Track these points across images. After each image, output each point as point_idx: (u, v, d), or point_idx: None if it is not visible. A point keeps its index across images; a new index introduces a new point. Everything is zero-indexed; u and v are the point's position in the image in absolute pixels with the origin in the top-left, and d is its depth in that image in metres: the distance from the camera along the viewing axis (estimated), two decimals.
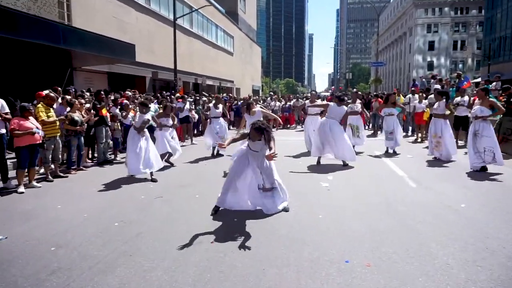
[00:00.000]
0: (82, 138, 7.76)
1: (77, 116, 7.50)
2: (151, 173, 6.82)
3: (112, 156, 9.11)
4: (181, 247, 3.65)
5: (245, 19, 50.22)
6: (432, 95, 10.87)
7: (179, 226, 4.32)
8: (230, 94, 25.73)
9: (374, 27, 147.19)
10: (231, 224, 4.37)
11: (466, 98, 9.84)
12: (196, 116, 13.02)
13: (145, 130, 6.96)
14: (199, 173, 7.41)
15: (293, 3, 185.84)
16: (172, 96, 13.85)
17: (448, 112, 8.12)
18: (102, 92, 8.48)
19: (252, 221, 4.39)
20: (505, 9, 38.27)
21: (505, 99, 8.89)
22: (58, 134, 7.05)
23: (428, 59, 61.15)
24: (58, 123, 6.98)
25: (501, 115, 9.01)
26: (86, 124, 7.74)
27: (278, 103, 18.96)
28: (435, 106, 8.21)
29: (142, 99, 8.76)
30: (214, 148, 9.16)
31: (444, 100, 8.13)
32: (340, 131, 7.55)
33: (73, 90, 9.51)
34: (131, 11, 20.02)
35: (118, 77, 18.66)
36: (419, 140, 11.34)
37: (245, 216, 4.59)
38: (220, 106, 9.34)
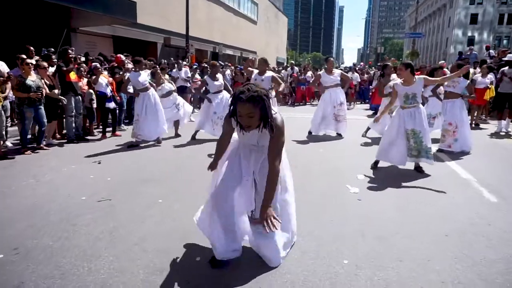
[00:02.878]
0: (42, 109, 6.07)
1: (32, 80, 5.78)
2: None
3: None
4: None
5: None
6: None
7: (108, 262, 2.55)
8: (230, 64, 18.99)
9: (409, 0, 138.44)
10: (200, 270, 2.56)
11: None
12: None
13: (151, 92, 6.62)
14: (179, 163, 5.57)
15: None
16: (180, 62, 11.86)
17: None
18: (69, 51, 6.65)
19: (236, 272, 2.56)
20: None
21: None
22: None
23: (469, 33, 56.09)
24: None
25: None
26: (43, 90, 6.01)
27: (284, 72, 15.88)
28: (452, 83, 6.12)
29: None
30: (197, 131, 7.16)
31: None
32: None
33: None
34: None
35: (125, 42, 16.89)
36: (473, 124, 9.04)
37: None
38: (220, 76, 6.94)
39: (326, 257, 2.70)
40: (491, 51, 14.58)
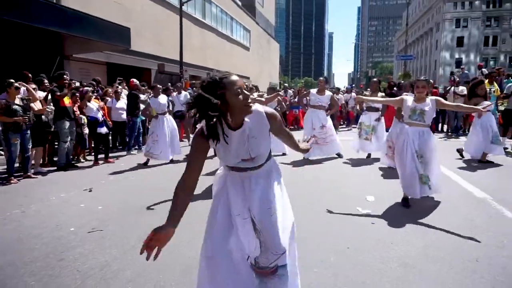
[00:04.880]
0: (29, 135, 5.78)
1: (18, 103, 5.52)
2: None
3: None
4: None
5: (263, 13, 47.95)
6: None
7: None
8: None
9: (396, 25, 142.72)
10: None
11: None
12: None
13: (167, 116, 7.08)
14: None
15: (313, 2, 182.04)
16: (178, 86, 11.34)
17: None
18: (65, 76, 6.43)
19: None
20: None
21: None
22: None
23: (456, 56, 57.48)
24: None
25: None
26: (30, 115, 5.73)
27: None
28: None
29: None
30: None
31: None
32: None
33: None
34: None
35: (119, 68, 16.76)
36: None
37: None
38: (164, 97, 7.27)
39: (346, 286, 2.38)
40: (484, 69, 14.68)
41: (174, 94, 10.46)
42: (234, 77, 1.63)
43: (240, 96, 1.61)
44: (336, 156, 7.34)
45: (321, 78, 7.43)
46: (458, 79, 12.36)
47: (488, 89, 7.34)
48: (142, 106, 8.18)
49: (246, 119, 1.71)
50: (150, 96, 7.51)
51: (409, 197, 4.17)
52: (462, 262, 2.75)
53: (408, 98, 4.27)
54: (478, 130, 6.44)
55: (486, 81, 8.00)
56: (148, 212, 4.09)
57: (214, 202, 1.95)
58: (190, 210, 3.88)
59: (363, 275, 2.57)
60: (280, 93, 7.68)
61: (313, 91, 7.41)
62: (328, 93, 7.31)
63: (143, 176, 6.13)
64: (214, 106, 1.55)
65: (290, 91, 16.81)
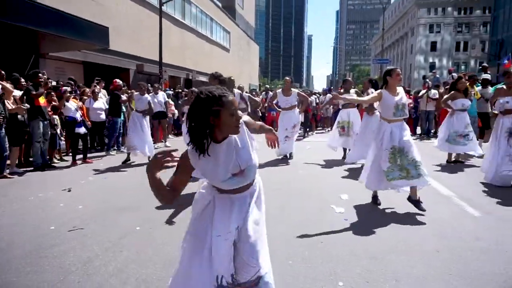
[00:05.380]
0: (3, 133, 5.71)
1: None
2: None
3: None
4: None
5: (243, 15, 48.11)
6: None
7: None
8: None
9: (374, 29, 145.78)
10: None
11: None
12: (176, 112, 10.95)
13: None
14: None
15: (293, 5, 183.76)
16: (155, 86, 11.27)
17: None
18: (40, 74, 6.38)
19: None
20: None
21: None
22: None
23: (430, 60, 59.46)
24: None
25: None
26: (4, 115, 5.67)
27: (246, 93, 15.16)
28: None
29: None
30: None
31: None
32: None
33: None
34: None
35: (96, 68, 16.52)
36: None
37: None
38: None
39: (320, 280, 2.56)
40: (453, 74, 15.37)
41: (151, 94, 10.49)
42: (231, 97, 1.67)
43: (234, 117, 1.66)
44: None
45: (287, 78, 7.52)
46: (430, 83, 12.91)
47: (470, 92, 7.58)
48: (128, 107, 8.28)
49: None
50: (135, 93, 7.61)
51: (377, 194, 4.37)
52: (425, 253, 2.97)
53: (386, 92, 4.12)
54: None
55: (467, 83, 8.36)
56: (128, 211, 4.16)
57: (194, 224, 1.85)
58: (169, 212, 3.97)
59: (335, 266, 2.75)
60: (260, 96, 7.89)
61: (279, 92, 7.54)
62: (294, 91, 7.44)
63: (122, 177, 6.15)
64: (208, 120, 1.61)
65: (270, 93, 16.99)
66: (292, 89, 7.37)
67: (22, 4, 9.40)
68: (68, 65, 15.51)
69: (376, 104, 4.63)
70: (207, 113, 1.60)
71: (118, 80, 8.93)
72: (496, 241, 3.21)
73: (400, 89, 4.17)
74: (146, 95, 7.41)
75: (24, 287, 2.49)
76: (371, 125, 5.87)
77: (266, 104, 15.32)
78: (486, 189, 5.01)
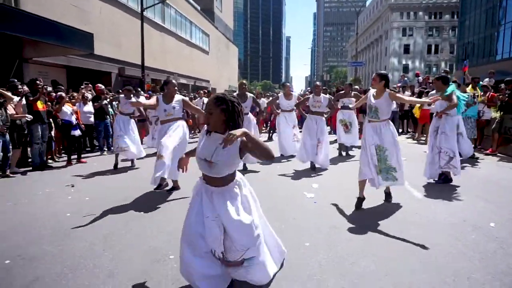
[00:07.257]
0: (7, 138, 6.24)
1: None
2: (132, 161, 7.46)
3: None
4: None
5: (222, 17, 48.82)
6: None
7: None
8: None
9: (350, 31, 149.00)
10: None
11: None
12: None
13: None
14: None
15: (271, 6, 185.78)
16: (138, 89, 11.88)
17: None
18: (38, 81, 6.91)
19: None
20: (478, 13, 38.57)
21: (508, 93, 7.91)
22: None
23: (404, 62, 61.64)
24: None
25: (502, 112, 8.10)
26: (8, 123, 6.22)
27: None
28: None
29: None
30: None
31: None
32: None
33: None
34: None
35: (79, 72, 16.88)
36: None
37: None
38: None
39: (291, 245, 3.33)
40: (419, 77, 16.62)
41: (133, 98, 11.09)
42: (208, 102, 2.27)
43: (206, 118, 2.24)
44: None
45: (287, 84, 8.62)
46: (400, 85, 14.01)
47: (472, 94, 7.95)
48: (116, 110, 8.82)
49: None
50: (121, 96, 7.88)
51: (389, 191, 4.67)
52: (374, 224, 3.80)
53: (370, 94, 4.44)
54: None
55: (470, 86, 8.38)
56: (130, 200, 4.81)
57: (191, 203, 2.41)
58: (165, 211, 4.63)
59: (304, 238, 3.52)
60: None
61: (281, 95, 8.32)
62: (294, 95, 8.39)
63: (117, 174, 6.75)
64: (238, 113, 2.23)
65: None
66: (322, 94, 7.08)
67: (5, 10, 9.74)
68: (51, 69, 15.81)
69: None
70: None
71: (100, 85, 9.51)
72: (430, 215, 4.08)
73: (385, 93, 4.30)
74: (132, 98, 7.77)
75: (61, 253, 3.14)
76: None
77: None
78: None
